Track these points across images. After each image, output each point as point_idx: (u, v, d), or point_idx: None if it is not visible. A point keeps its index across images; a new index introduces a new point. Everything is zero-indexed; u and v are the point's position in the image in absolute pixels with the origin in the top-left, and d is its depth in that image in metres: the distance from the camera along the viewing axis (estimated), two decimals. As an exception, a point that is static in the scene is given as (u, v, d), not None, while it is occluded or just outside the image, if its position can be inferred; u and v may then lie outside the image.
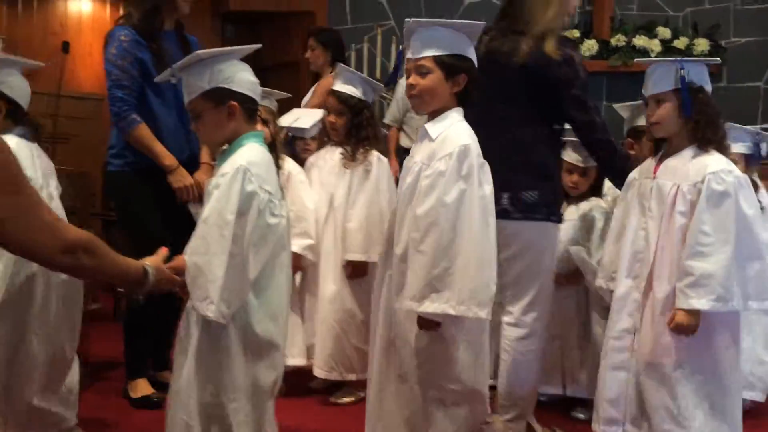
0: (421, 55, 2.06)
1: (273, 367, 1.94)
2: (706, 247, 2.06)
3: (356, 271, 3.10)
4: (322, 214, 3.16)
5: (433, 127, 2.11)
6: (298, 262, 2.90)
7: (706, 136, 2.17)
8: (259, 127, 2.08)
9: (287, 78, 6.61)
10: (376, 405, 2.29)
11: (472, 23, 2.14)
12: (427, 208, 2.01)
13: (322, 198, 3.17)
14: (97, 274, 1.50)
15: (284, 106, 3.50)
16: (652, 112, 2.24)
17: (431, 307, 1.99)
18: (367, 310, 2.72)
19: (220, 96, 1.90)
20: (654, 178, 2.26)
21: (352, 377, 3.10)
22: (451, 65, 2.07)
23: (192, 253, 1.83)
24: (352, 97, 3.12)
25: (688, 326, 2.08)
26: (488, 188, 2.07)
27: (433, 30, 2.08)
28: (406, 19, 2.13)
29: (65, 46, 4.64)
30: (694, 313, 2.08)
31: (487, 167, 2.09)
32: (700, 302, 2.05)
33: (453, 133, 2.07)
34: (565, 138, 2.77)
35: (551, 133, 2.61)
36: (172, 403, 1.90)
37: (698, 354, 2.14)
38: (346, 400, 3.16)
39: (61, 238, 1.34)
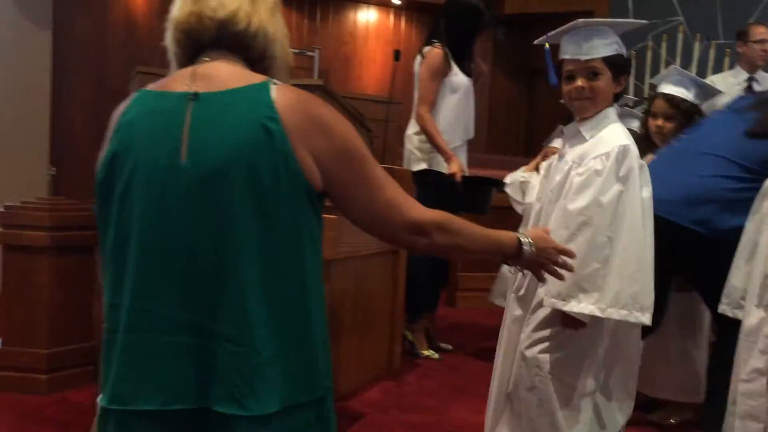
0: (592, 57, 2.02)
1: None
2: None
3: None
4: None
5: (588, 128, 2.07)
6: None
7: None
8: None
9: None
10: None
11: (636, 22, 2.12)
12: (580, 207, 1.94)
13: None
14: (455, 250, 1.36)
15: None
16: None
17: (578, 307, 1.94)
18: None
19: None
20: None
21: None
22: (619, 66, 2.05)
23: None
24: (684, 100, 2.97)
25: None
26: (647, 191, 1.99)
27: (601, 30, 2.04)
28: (578, 21, 2.08)
29: (397, 55, 4.81)
30: None
31: (646, 169, 2.01)
32: None
33: (608, 133, 2.02)
34: None
35: None
36: None
37: None
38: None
39: (406, 216, 1.24)
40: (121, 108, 1.23)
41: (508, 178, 3.98)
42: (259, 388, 1.11)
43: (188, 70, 1.22)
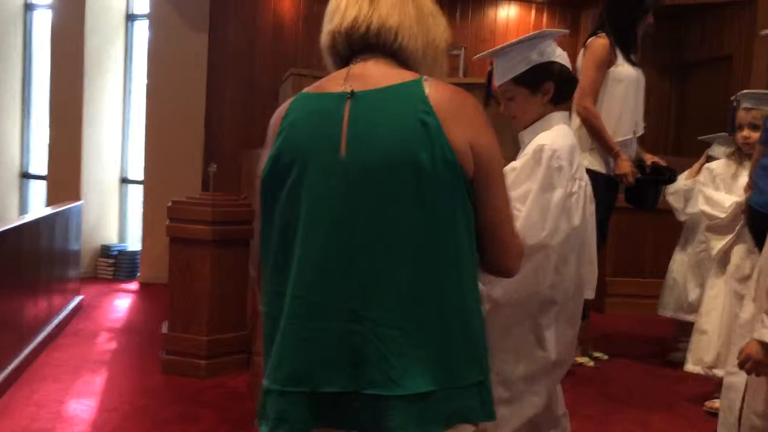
0: (501, 82, 2.05)
1: None
2: None
3: None
4: None
5: (526, 135, 2.06)
6: None
7: None
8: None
9: (713, 75, 6.02)
10: None
11: (537, 34, 2.01)
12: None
13: None
14: None
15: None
16: None
17: None
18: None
19: None
20: None
21: None
22: (531, 80, 2.00)
23: None
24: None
25: None
26: (560, 192, 1.94)
27: (504, 54, 2.03)
28: (487, 51, 2.12)
29: None
30: None
31: (566, 170, 1.95)
32: None
33: (540, 137, 1.99)
34: None
35: None
36: None
37: None
38: None
39: (517, 239, 1.34)
40: (282, 111, 1.29)
41: (672, 188, 3.85)
42: (413, 368, 1.14)
43: (343, 71, 1.29)
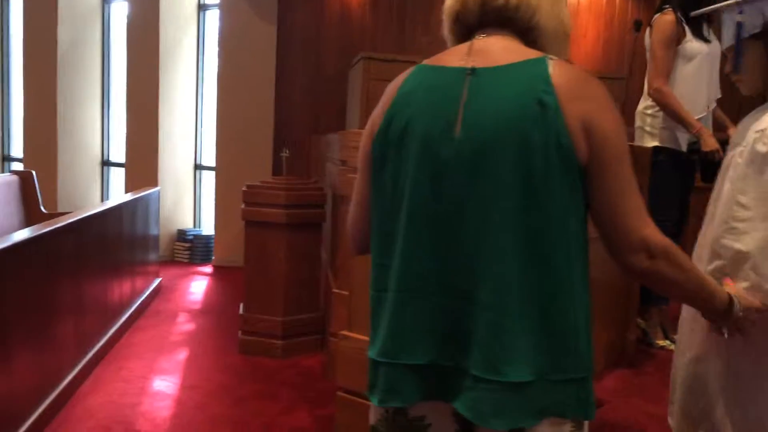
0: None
1: None
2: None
3: None
4: None
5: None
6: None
7: None
8: None
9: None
10: None
11: None
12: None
13: None
14: (670, 285, 1.24)
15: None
16: None
17: None
18: None
19: None
20: None
21: None
22: None
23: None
24: None
25: None
26: None
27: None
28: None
29: (637, 25, 4.47)
30: None
31: None
32: None
33: None
34: None
35: None
36: None
37: None
38: None
39: (641, 230, 1.16)
40: (399, 80, 1.27)
41: None
42: (514, 356, 1.12)
43: (465, 45, 1.25)
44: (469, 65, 1.19)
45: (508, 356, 1.12)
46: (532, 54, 1.19)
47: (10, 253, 2.56)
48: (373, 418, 1.29)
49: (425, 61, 1.28)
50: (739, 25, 1.71)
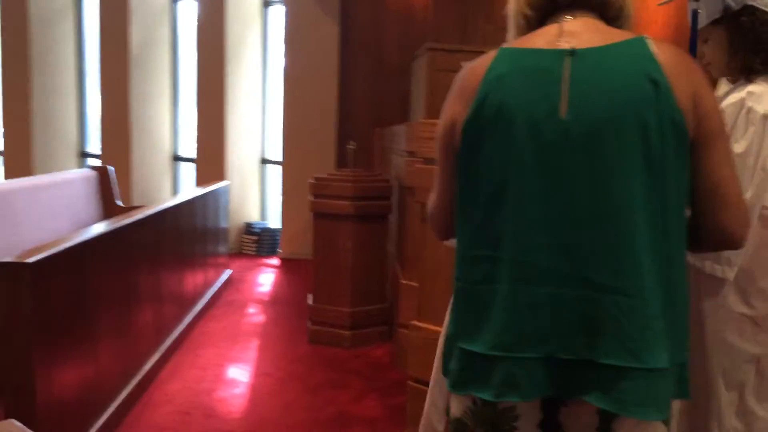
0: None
1: None
2: None
3: None
4: None
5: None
6: None
7: None
8: None
9: None
10: None
11: None
12: None
13: None
14: None
15: None
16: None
17: None
18: None
19: None
20: None
21: None
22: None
23: None
24: None
25: None
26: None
27: None
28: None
29: None
30: None
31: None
32: None
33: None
34: None
35: None
36: None
37: None
38: None
39: (745, 204, 1.21)
40: (483, 65, 1.22)
41: None
42: (652, 341, 1.10)
43: (553, 27, 1.22)
44: (564, 47, 1.16)
45: (646, 342, 1.10)
46: (625, 34, 1.18)
47: (94, 244, 2.68)
48: (457, 410, 1.25)
49: (506, 45, 1.25)
50: (694, 14, 1.79)
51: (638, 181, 1.10)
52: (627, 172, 1.10)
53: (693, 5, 1.80)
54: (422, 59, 4.50)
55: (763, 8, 1.66)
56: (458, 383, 1.21)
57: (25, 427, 1.42)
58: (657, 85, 1.11)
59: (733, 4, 1.68)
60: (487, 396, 1.17)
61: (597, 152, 1.11)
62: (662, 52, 1.14)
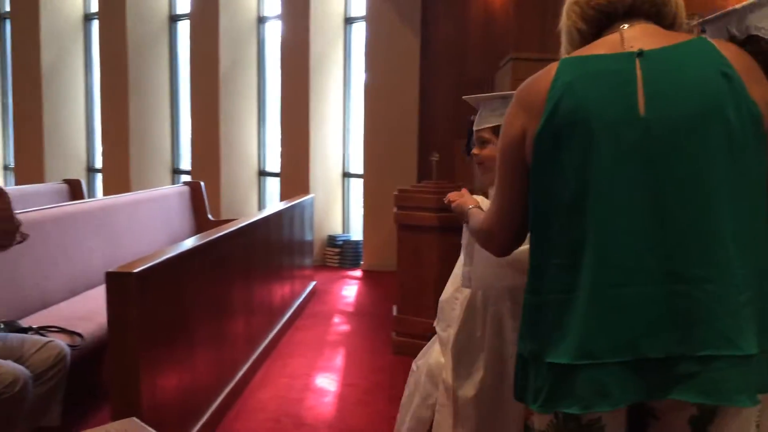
0: (481, 127, 2.06)
1: None
2: None
3: None
4: None
5: None
6: None
7: None
8: None
9: None
10: None
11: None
12: None
13: None
14: None
15: None
16: None
17: None
18: None
19: None
20: None
21: None
22: None
23: None
24: None
25: None
26: None
27: (490, 102, 2.04)
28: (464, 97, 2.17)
29: None
30: None
31: None
32: None
33: None
34: None
35: None
36: None
37: None
38: None
39: None
40: (547, 75, 1.23)
41: None
42: (745, 327, 1.10)
43: (612, 36, 1.24)
44: (630, 50, 1.18)
45: (740, 328, 1.09)
46: (685, 36, 1.21)
47: (191, 256, 2.80)
48: (540, 424, 1.24)
49: (567, 55, 1.27)
50: None
51: (723, 170, 1.11)
52: (712, 163, 1.12)
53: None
54: (506, 69, 4.48)
55: None
56: (547, 401, 1.17)
57: (144, 424, 1.50)
58: (730, 78, 1.13)
59: (738, 33, 1.73)
60: (574, 410, 1.14)
61: (681, 146, 1.13)
62: (726, 50, 1.17)
